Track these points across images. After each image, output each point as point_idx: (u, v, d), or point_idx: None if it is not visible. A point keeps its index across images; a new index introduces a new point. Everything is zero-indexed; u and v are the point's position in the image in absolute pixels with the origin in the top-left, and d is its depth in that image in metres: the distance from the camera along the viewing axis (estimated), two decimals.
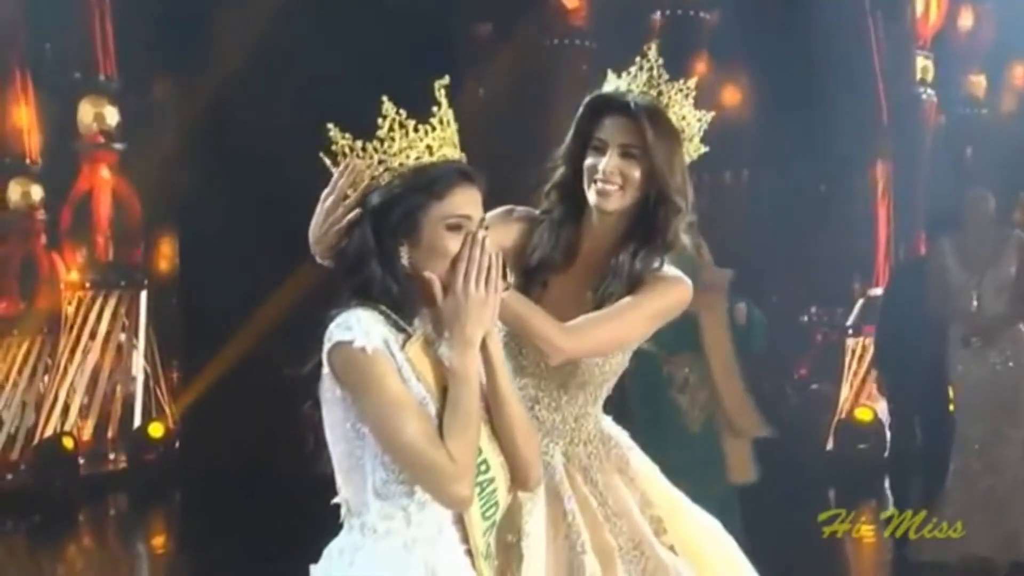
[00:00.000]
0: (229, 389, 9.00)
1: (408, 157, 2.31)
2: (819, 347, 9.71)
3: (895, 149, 9.88)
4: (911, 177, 9.89)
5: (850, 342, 9.37)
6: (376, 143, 2.32)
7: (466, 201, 2.30)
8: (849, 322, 9.51)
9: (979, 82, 10.64)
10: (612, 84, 2.81)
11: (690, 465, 4.69)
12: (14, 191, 9.38)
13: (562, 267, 2.74)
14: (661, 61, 2.78)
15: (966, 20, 10.56)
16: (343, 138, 2.34)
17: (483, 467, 2.31)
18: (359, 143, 2.33)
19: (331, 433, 2.30)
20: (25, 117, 9.30)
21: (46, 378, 9.41)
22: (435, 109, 2.33)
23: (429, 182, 2.28)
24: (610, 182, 2.68)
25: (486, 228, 2.31)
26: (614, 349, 2.72)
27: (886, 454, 8.65)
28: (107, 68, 9.50)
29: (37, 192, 9.48)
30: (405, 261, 2.30)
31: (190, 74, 9.14)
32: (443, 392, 2.26)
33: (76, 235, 9.57)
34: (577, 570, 2.61)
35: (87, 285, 9.55)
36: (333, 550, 2.33)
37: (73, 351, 9.37)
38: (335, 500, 2.35)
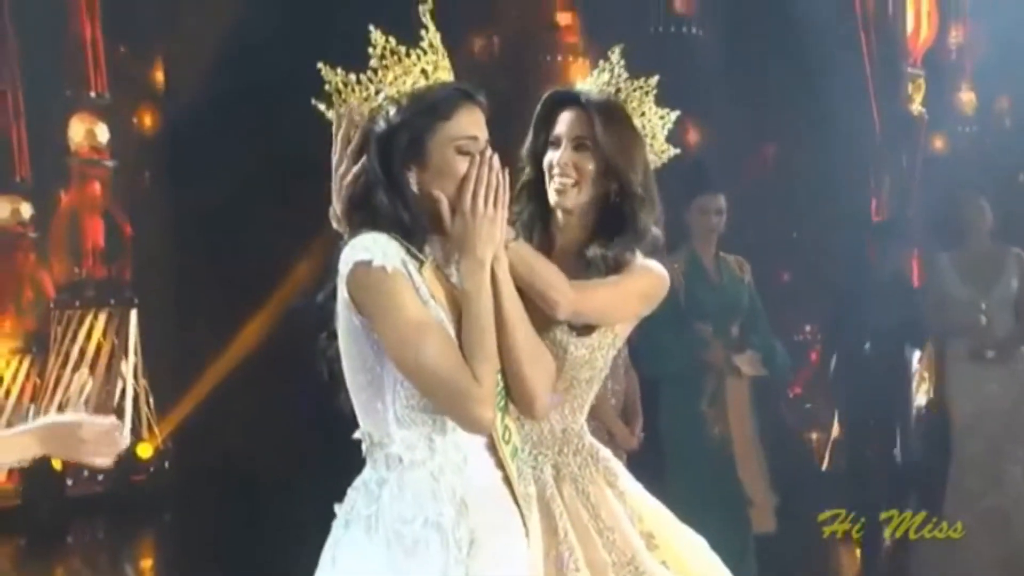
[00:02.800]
0: (220, 409, 8.94)
1: (405, 84, 2.27)
2: (813, 366, 9.67)
3: (887, 166, 9.88)
4: (903, 194, 9.89)
5: None
6: (370, 74, 2.28)
7: (472, 121, 2.27)
8: None
9: (969, 99, 10.65)
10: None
11: (709, 475, 4.92)
12: (3, 208, 9.32)
13: None
14: (623, 63, 2.79)
15: (957, 37, 10.59)
16: (335, 75, 2.29)
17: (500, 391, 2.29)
18: (352, 76, 2.29)
19: (349, 364, 2.24)
20: (15, 133, 9.25)
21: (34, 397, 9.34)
22: (423, 33, 2.29)
23: (433, 104, 2.25)
24: (566, 175, 2.69)
25: (491, 148, 2.27)
26: (609, 317, 2.71)
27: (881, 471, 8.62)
28: (98, 85, 9.47)
29: (27, 209, 9.42)
30: (414, 187, 2.25)
31: (181, 88, 9.11)
32: (458, 317, 2.22)
33: (65, 252, 9.51)
34: None
35: (76, 303, 9.48)
36: (358, 485, 2.27)
37: (62, 369, 9.30)
38: (355, 435, 2.28)
